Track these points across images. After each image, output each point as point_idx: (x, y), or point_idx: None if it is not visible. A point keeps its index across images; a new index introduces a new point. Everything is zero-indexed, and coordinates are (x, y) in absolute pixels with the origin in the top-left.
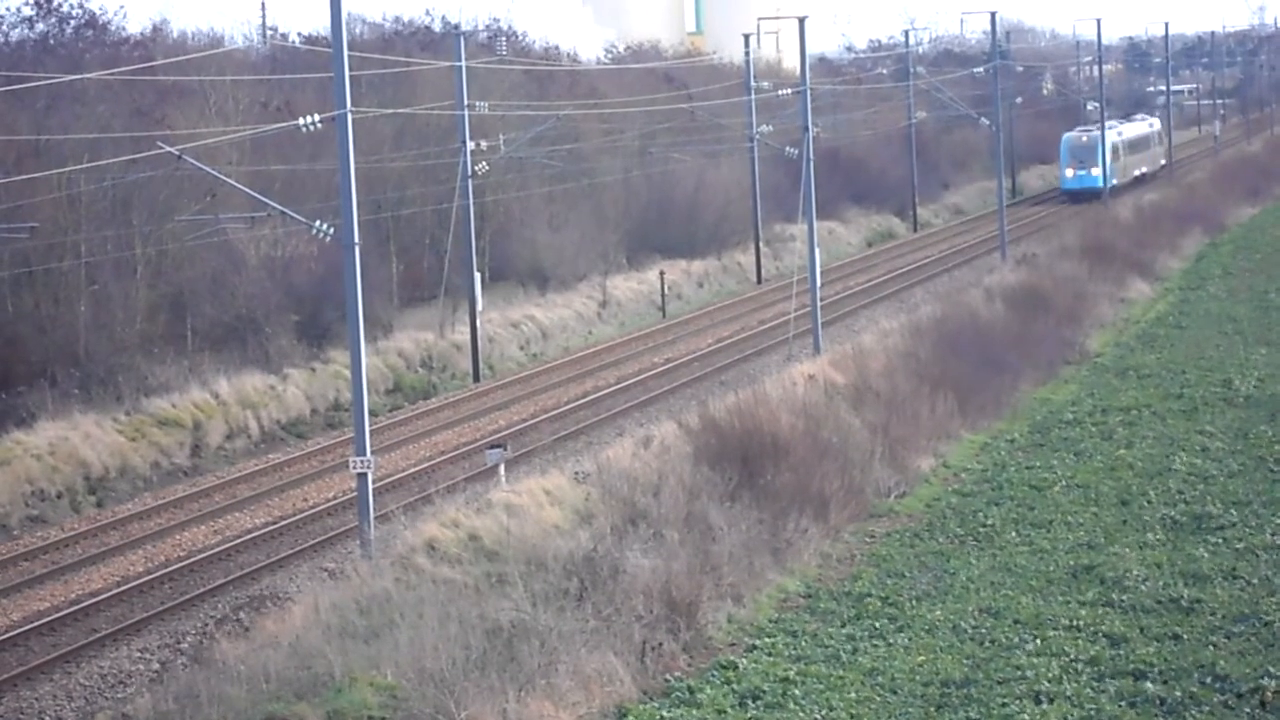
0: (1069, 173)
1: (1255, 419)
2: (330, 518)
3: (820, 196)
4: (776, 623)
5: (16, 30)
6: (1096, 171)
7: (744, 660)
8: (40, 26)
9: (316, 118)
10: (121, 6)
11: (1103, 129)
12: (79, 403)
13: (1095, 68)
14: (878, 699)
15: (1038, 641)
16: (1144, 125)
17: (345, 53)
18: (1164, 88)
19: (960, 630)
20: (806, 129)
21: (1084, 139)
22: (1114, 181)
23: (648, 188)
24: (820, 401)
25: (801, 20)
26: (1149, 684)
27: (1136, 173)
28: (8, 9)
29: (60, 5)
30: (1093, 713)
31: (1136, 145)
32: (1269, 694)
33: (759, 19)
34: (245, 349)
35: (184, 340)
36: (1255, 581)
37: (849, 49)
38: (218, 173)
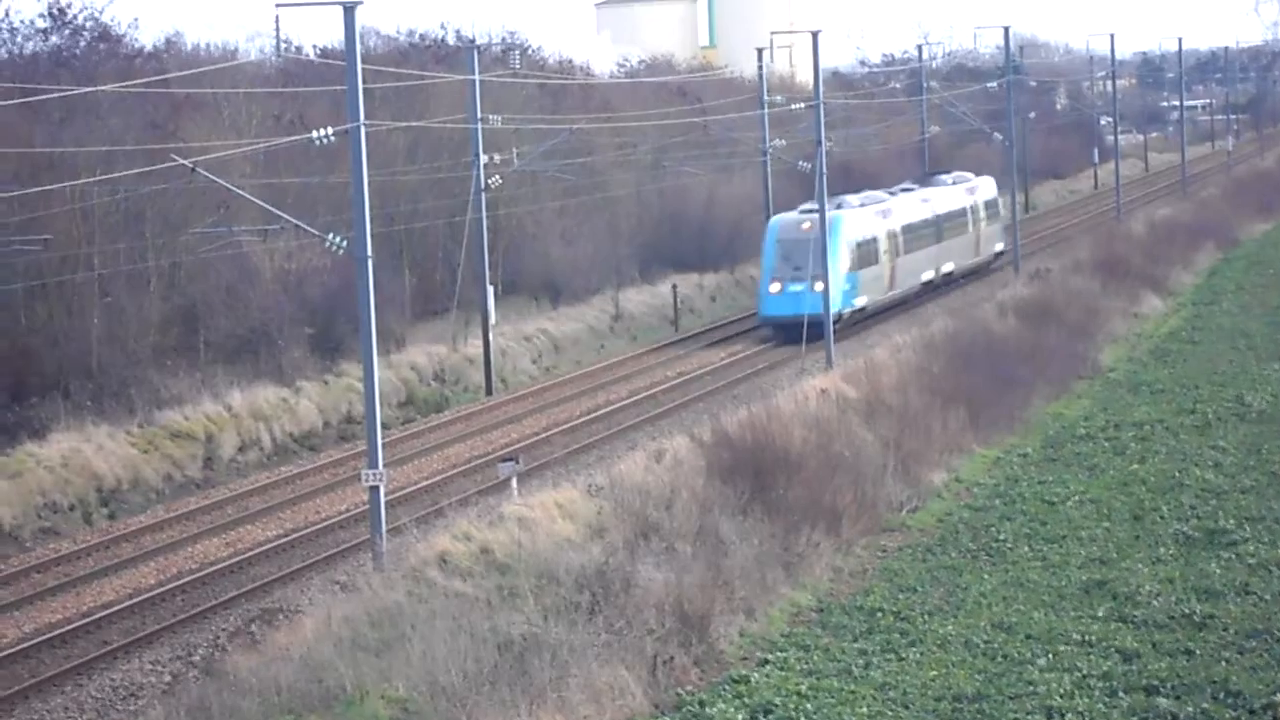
0: (773, 288)
1: (1268, 434)
2: (342, 531)
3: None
4: (788, 637)
5: (30, 43)
6: (820, 288)
7: (756, 674)
8: (54, 39)
9: (330, 131)
10: (135, 19)
11: (881, 203)
12: (92, 415)
13: (1109, 83)
14: (890, 713)
15: (1050, 656)
16: (950, 194)
17: (359, 66)
18: (1178, 103)
19: (972, 645)
20: (819, 143)
21: (803, 228)
22: (859, 303)
23: (660, 201)
24: (832, 415)
25: (815, 34)
26: (1161, 699)
27: (928, 276)
28: (22, 22)
29: (74, 18)
30: None
31: (923, 231)
32: None
33: (772, 33)
34: (258, 361)
35: (197, 353)
36: (1268, 597)
37: (862, 63)
38: (231, 185)
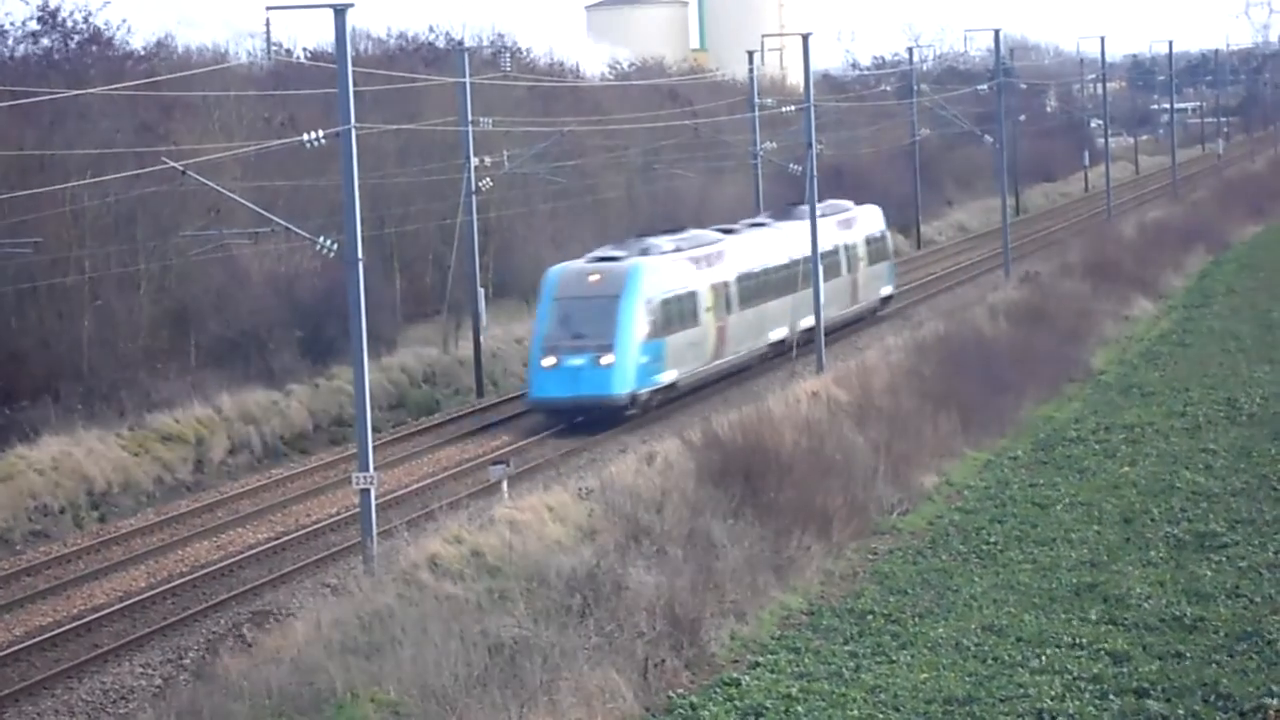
0: (546, 362)
1: (1259, 437)
2: (333, 533)
3: None
4: (779, 640)
5: (21, 45)
6: (609, 360)
7: (747, 677)
8: (45, 41)
9: (320, 133)
10: (124, 21)
11: (706, 246)
12: (82, 418)
13: (1099, 85)
14: (880, 716)
15: (1040, 659)
16: (807, 229)
17: (349, 68)
18: (1168, 105)
19: (963, 648)
20: (810, 146)
21: (590, 280)
22: (666, 378)
23: (651, 204)
24: (823, 418)
25: (805, 37)
26: (1152, 702)
27: (780, 335)
28: (12, 24)
29: (64, 20)
30: None
31: (772, 278)
32: (1271, 713)
33: (763, 36)
34: (248, 364)
35: (187, 356)
36: (1258, 600)
37: (853, 66)
38: (221, 188)
